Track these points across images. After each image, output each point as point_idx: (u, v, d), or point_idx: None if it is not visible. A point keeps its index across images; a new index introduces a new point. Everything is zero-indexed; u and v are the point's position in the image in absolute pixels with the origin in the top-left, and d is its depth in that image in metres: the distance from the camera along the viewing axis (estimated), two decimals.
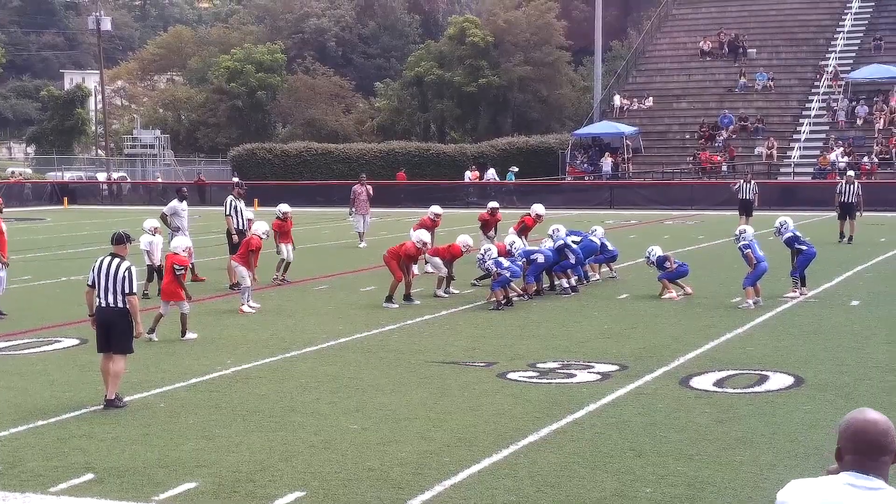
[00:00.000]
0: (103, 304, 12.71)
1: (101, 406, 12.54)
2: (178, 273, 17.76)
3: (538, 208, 25.89)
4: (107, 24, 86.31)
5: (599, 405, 12.48)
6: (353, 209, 34.86)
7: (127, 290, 12.65)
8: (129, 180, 77.62)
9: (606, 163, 61.38)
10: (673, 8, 77.50)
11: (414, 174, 64.92)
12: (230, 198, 24.99)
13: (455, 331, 18.02)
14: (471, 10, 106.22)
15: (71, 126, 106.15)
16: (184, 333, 17.46)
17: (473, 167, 63.47)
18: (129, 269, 12.77)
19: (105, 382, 12.68)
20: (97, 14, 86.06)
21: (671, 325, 18.42)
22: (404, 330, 18.16)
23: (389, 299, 20.82)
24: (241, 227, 24.44)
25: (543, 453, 10.52)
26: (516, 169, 60.89)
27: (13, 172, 78.17)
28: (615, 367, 14.63)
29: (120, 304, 12.67)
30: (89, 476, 9.88)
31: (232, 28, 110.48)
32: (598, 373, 14.32)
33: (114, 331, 12.67)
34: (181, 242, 19.01)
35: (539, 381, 13.91)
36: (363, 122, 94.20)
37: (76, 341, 17.25)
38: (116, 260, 12.87)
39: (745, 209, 36.75)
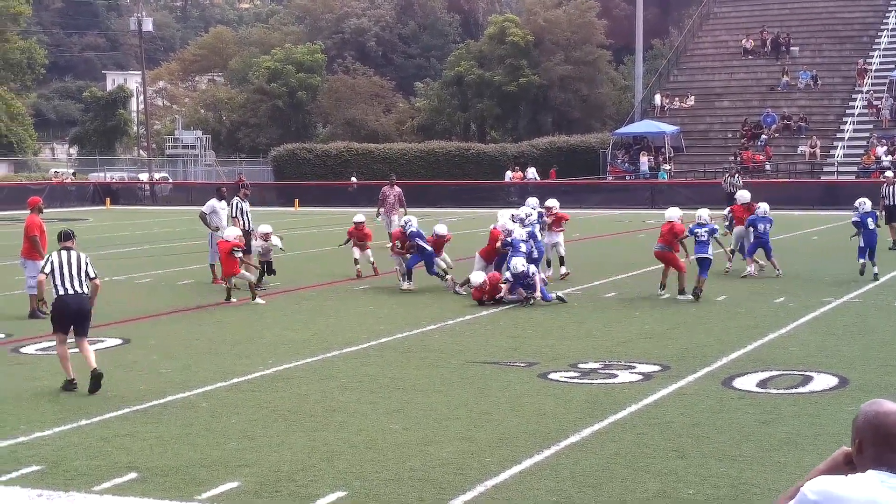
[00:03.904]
0: (71, 292, 13.74)
1: (71, 378, 13.58)
2: (235, 255, 21.17)
3: (440, 229, 24.58)
4: (148, 25, 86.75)
5: (641, 406, 12.42)
6: (381, 210, 34.69)
7: (92, 276, 14.00)
8: (170, 180, 78.02)
9: (643, 162, 61.17)
10: (715, 6, 77.09)
11: (454, 174, 64.92)
12: (236, 199, 24.94)
13: (496, 331, 17.99)
14: (511, 9, 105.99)
15: (113, 127, 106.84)
16: (253, 297, 21.15)
17: (515, 167, 63.36)
18: (87, 258, 14.17)
19: (65, 366, 13.68)
20: (139, 15, 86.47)
21: (714, 325, 18.32)
22: (445, 330, 18.15)
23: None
24: (247, 228, 24.51)
25: (585, 454, 10.47)
26: (668, 167, 59.84)
27: (57, 173, 78.73)
28: (657, 368, 14.55)
29: (85, 291, 13.87)
30: (132, 475, 9.92)
31: (272, 28, 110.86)
32: (640, 373, 14.25)
33: (84, 315, 13.89)
34: (233, 231, 22.15)
35: (580, 381, 13.86)
36: (403, 122, 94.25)
37: (119, 341, 17.34)
38: (73, 253, 14.06)
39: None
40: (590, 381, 13.84)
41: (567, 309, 20.29)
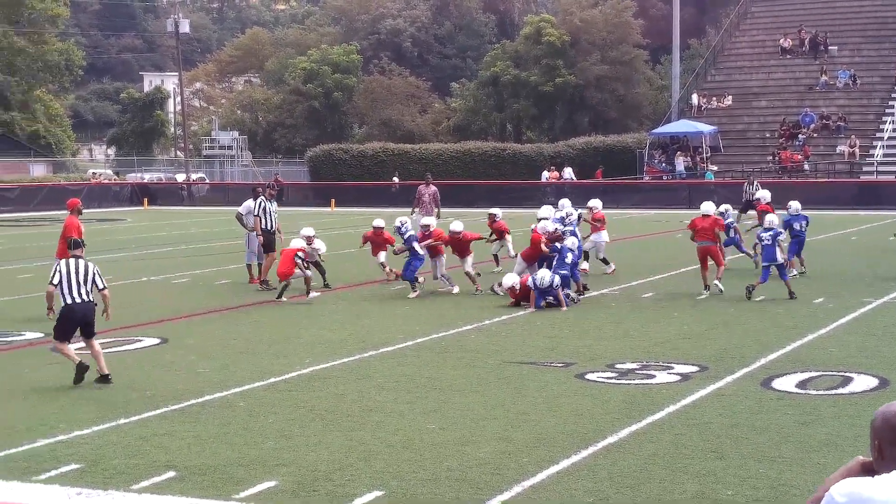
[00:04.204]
0: (79, 301, 14.15)
1: (78, 361, 14.04)
2: (298, 259, 21.61)
3: (455, 226, 24.13)
4: (185, 27, 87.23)
5: (679, 406, 12.35)
6: (416, 209, 34.54)
7: (101, 287, 14.37)
8: (207, 181, 78.34)
9: (679, 162, 60.93)
10: (752, 5, 76.71)
11: (490, 174, 64.87)
12: (260, 198, 25.02)
13: (533, 331, 17.94)
14: (547, 9, 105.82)
15: (150, 128, 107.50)
16: (308, 293, 21.56)
17: (552, 167, 63.24)
18: (95, 267, 14.51)
19: (68, 355, 14.16)
20: (176, 17, 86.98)
21: (752, 325, 18.20)
22: (482, 330, 18.12)
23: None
24: (269, 228, 24.52)
25: (623, 454, 10.43)
26: (715, 168, 59.52)
27: (95, 174, 79.24)
28: (695, 368, 14.47)
29: (91, 299, 14.29)
30: (171, 474, 9.95)
31: (308, 29, 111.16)
32: (678, 374, 14.18)
33: (89, 321, 14.29)
34: (299, 243, 22.38)
35: (618, 381, 13.80)
36: (439, 123, 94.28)
37: (157, 340, 17.42)
38: (81, 262, 14.39)
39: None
40: (627, 382, 13.78)
41: (604, 309, 20.23)
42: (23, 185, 63.78)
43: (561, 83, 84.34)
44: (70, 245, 14.85)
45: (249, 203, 25.32)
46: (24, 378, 14.55)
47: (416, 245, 22.62)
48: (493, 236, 26.00)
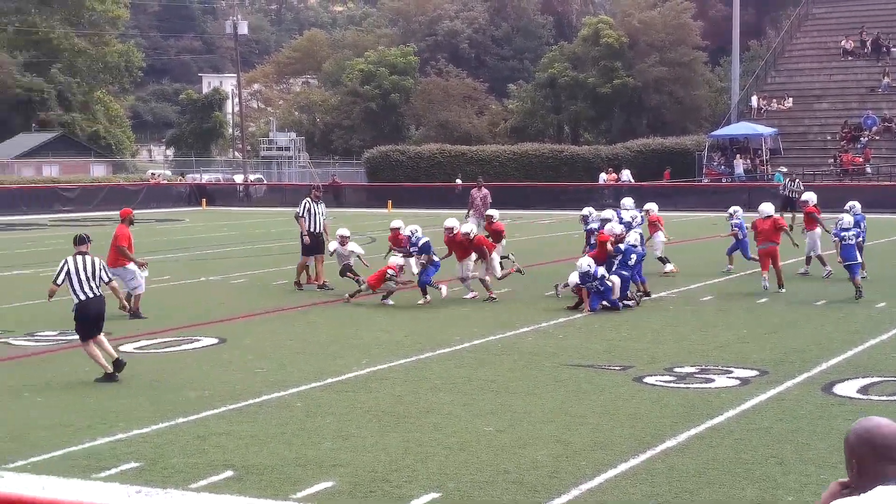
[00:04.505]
0: (91, 296, 14.45)
1: (110, 371, 14.25)
2: (389, 277, 21.51)
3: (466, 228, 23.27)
4: (244, 29, 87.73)
5: (739, 411, 12.22)
6: (470, 212, 34.46)
7: (106, 280, 14.63)
8: (264, 182, 78.75)
9: (738, 164, 60.46)
10: (813, 6, 75.97)
11: (547, 176, 64.70)
12: (306, 200, 25.11)
13: (590, 333, 17.85)
14: (605, 10, 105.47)
15: (209, 129, 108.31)
16: (384, 297, 21.46)
17: (609, 169, 62.96)
18: (101, 262, 14.83)
19: (99, 362, 14.31)
20: (234, 18, 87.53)
21: (813, 330, 18.01)
22: (539, 332, 18.06)
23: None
24: (313, 230, 24.51)
25: (681, 459, 10.34)
26: (784, 169, 59.08)
27: (154, 174, 79.91)
28: (755, 373, 14.33)
29: (100, 293, 14.55)
30: (228, 473, 9.98)
31: (366, 31, 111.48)
32: (738, 378, 14.04)
33: (102, 317, 14.70)
34: (396, 260, 22.26)
35: (677, 385, 13.70)
36: (496, 124, 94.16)
37: (215, 340, 17.50)
38: (88, 258, 14.60)
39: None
40: (686, 386, 13.67)
41: (663, 312, 20.10)
42: (83, 185, 64.42)
43: (619, 85, 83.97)
44: (75, 241, 14.99)
45: (306, 204, 25.45)
46: (83, 377, 14.67)
47: (432, 253, 22.08)
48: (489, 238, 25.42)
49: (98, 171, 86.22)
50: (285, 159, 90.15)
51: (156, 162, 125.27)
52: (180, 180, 75.33)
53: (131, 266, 20.30)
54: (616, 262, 20.80)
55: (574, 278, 20.38)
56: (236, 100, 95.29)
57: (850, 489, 4.09)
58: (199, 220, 52.72)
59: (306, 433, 11.40)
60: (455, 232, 22.46)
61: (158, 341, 17.57)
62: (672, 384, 13.74)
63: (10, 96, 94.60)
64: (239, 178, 79.59)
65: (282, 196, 66.55)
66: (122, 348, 16.82)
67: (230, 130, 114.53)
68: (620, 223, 22.72)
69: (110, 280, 14.78)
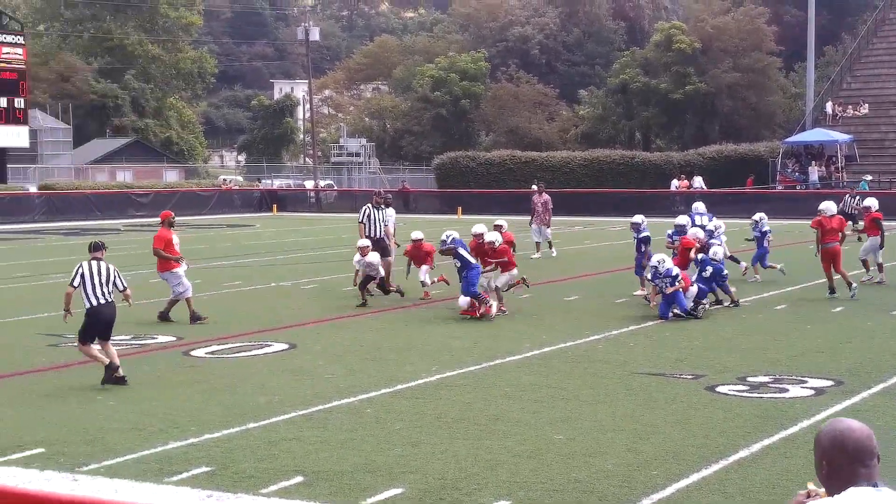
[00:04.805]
0: (103, 302, 14.51)
1: (102, 381, 14.26)
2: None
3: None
4: (315, 35, 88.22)
5: (813, 421, 12.04)
6: (533, 218, 34.19)
7: (121, 287, 14.73)
8: (335, 188, 79.10)
9: (814, 171, 59.77)
10: (890, 11, 74.92)
11: (618, 183, 64.39)
12: (366, 206, 25.18)
13: (662, 342, 17.70)
14: (678, 16, 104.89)
15: (280, 134, 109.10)
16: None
17: (682, 175, 62.51)
18: (115, 268, 14.86)
19: (97, 356, 14.44)
20: (306, 25, 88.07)
21: (889, 339, 17.72)
22: (610, 340, 17.94)
23: None
24: (373, 235, 24.52)
25: (755, 469, 10.21)
26: (870, 177, 58.44)
27: (225, 180, 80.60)
28: (830, 383, 14.12)
29: (112, 300, 14.63)
30: (298, 478, 10.00)
31: (436, 37, 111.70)
32: (812, 388, 13.85)
33: (112, 323, 14.71)
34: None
35: (749, 395, 13.53)
36: (567, 130, 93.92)
37: (285, 345, 17.57)
38: (102, 264, 14.70)
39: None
40: (759, 396, 13.50)
41: (735, 321, 19.89)
42: (156, 190, 65.10)
43: (691, 91, 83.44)
44: (90, 248, 15.06)
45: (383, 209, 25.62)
46: (156, 381, 14.79)
47: (464, 253, 20.88)
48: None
49: (170, 176, 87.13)
50: (355, 165, 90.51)
51: (227, 168, 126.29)
52: (257, 186, 75.88)
53: (178, 270, 20.43)
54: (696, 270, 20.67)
55: (647, 273, 20.25)
56: (307, 106, 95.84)
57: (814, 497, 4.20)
58: (269, 226, 53.07)
59: (376, 439, 11.40)
60: (421, 241, 22.77)
61: (229, 346, 17.67)
62: (745, 394, 13.58)
63: (86, 102, 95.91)
64: (309, 184, 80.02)
65: (352, 202, 66.76)
66: (193, 353, 16.96)
67: (301, 136, 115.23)
68: (704, 229, 22.49)
69: (125, 288, 14.84)
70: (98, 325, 14.56)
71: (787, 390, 13.75)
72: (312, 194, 72.77)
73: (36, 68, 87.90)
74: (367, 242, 22.82)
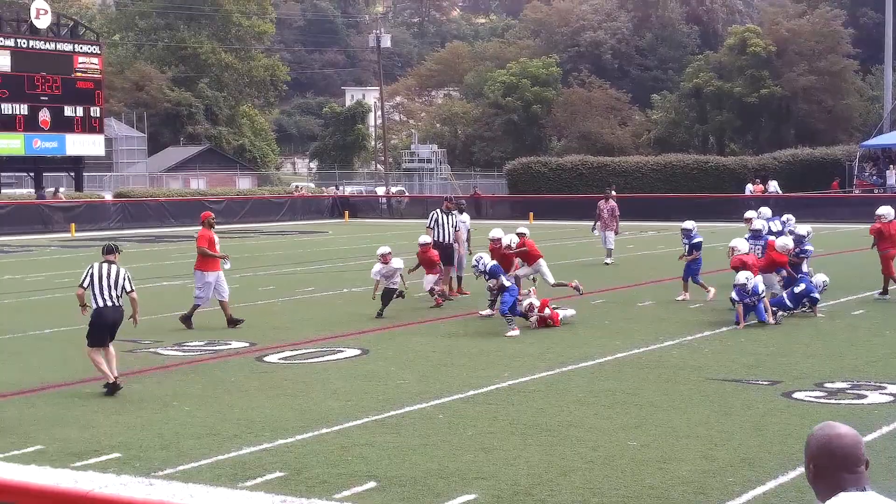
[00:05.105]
0: (109, 304, 14.57)
1: (104, 389, 14.29)
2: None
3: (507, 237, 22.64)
4: (386, 42, 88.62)
5: (892, 428, 11.85)
6: (598, 224, 33.76)
7: (129, 290, 14.73)
8: (406, 194, 79.28)
9: (891, 175, 58.91)
10: None
11: (692, 187, 63.94)
12: (435, 211, 25.42)
13: (736, 347, 17.51)
14: (752, 19, 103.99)
15: (351, 141, 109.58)
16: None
17: (756, 180, 61.89)
18: (126, 272, 14.85)
19: (101, 369, 14.40)
20: (377, 32, 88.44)
21: None
22: (684, 346, 17.77)
23: None
24: (441, 240, 24.47)
25: None
26: None
27: (297, 187, 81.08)
28: None
29: (121, 304, 14.67)
30: (371, 484, 10.01)
31: (508, 43, 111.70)
32: (891, 394, 13.63)
33: (117, 326, 14.72)
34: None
35: (827, 401, 13.34)
36: (639, 135, 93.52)
37: (358, 351, 17.61)
38: (114, 266, 14.75)
39: None
40: (837, 402, 13.30)
41: (811, 326, 19.63)
42: (229, 197, 65.67)
43: (766, 94, 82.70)
44: (103, 250, 15.10)
45: (454, 215, 25.68)
46: (230, 386, 14.88)
47: (503, 278, 19.90)
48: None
49: (243, 183, 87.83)
50: (427, 171, 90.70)
51: (299, 174, 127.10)
52: (334, 192, 76.31)
53: (210, 276, 20.54)
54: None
55: (733, 295, 19.85)
56: (378, 112, 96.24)
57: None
58: (341, 233, 53.30)
59: (448, 445, 11.38)
60: (501, 244, 22.15)
61: (302, 352, 17.75)
62: (822, 400, 13.40)
63: (160, 111, 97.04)
64: (381, 191, 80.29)
65: (424, 208, 66.83)
66: (267, 359, 17.05)
67: (372, 143, 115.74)
68: (792, 235, 22.18)
69: (132, 290, 14.79)
70: (102, 327, 14.59)
71: (865, 396, 13.54)
72: (384, 201, 72.99)
73: (111, 77, 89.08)
74: (387, 249, 22.14)
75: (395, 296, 21.77)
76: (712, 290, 22.75)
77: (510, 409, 13.05)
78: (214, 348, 18.25)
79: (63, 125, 62.76)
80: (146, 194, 64.94)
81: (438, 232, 24.67)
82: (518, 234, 22.95)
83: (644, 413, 12.76)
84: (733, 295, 19.70)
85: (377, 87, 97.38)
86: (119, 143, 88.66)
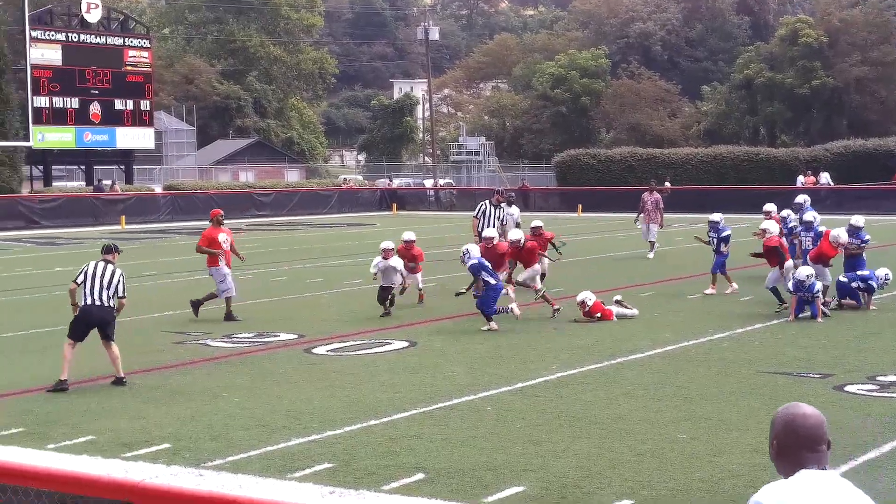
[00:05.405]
0: (98, 303, 14.38)
1: (62, 380, 14.13)
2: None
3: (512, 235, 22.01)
4: (435, 34, 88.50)
5: None
6: (641, 216, 33.47)
7: (121, 294, 14.56)
8: (454, 186, 79.26)
9: None
10: None
11: (742, 179, 63.46)
12: (483, 202, 25.32)
13: (787, 340, 17.37)
14: (803, 9, 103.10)
15: (399, 134, 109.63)
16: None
17: (808, 172, 61.30)
18: (121, 274, 14.68)
19: (63, 364, 14.24)
20: (425, 24, 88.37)
21: None
22: (734, 338, 17.65)
23: None
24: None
25: (885, 470, 9.98)
26: None
27: (345, 179, 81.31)
28: None
29: (111, 304, 14.48)
30: (420, 476, 10.00)
31: (556, 34, 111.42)
32: None
33: (105, 323, 14.45)
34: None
35: (880, 394, 13.21)
36: (689, 127, 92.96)
37: (406, 343, 17.63)
38: (110, 266, 14.61)
39: None
40: (890, 395, 13.18)
41: (864, 319, 19.45)
42: (277, 190, 65.91)
43: (818, 85, 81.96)
44: (102, 249, 15.02)
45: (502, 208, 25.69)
46: (279, 377, 14.94)
47: (485, 275, 19.27)
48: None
49: (292, 176, 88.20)
50: (475, 164, 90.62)
51: (347, 167, 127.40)
52: (387, 184, 76.46)
53: (223, 268, 20.62)
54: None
55: (789, 286, 19.68)
56: (427, 105, 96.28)
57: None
58: (389, 225, 53.36)
59: (497, 437, 11.36)
60: (495, 243, 21.31)
61: (350, 344, 17.78)
62: (875, 393, 13.27)
63: (209, 104, 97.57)
64: (429, 183, 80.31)
65: (472, 200, 66.65)
66: (315, 350, 17.09)
67: (420, 135, 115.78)
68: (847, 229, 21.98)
69: (123, 296, 14.59)
70: (82, 325, 14.48)
71: None
72: (432, 193, 72.99)
73: (161, 71, 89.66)
74: (390, 244, 21.41)
75: (390, 294, 20.96)
76: (734, 285, 23.02)
77: (559, 402, 13.01)
78: (263, 340, 18.33)
79: (113, 118, 63.26)
80: (195, 187, 65.30)
81: (484, 223, 24.66)
82: (533, 228, 23.10)
83: (694, 406, 12.69)
84: (789, 286, 19.54)
85: (425, 80, 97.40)
86: (168, 137, 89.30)
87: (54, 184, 64.71)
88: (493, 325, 18.91)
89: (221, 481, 10.01)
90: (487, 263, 19.69)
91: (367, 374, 14.96)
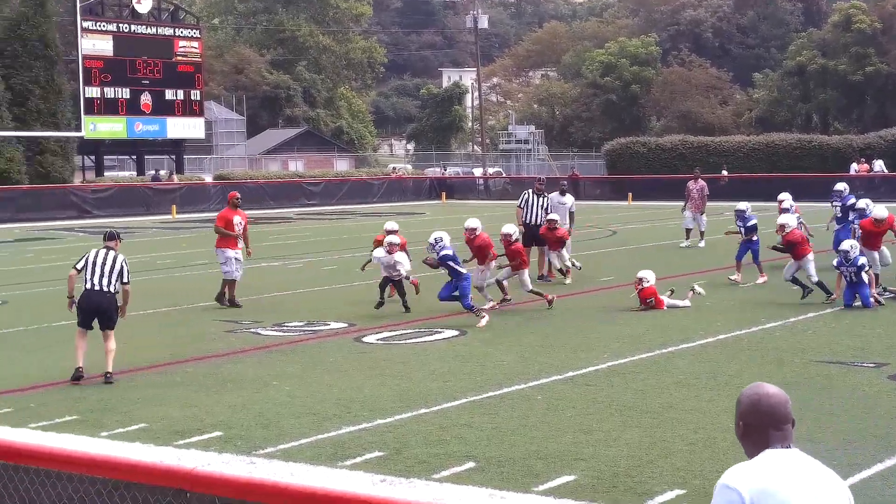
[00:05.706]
0: (97, 289, 14.23)
1: (79, 366, 14.14)
2: None
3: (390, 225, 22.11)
4: (484, 23, 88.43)
5: None
6: (687, 205, 33.17)
7: (125, 280, 14.47)
8: (503, 175, 79.14)
9: None
10: None
11: (795, 167, 62.91)
12: (526, 191, 25.49)
13: (842, 329, 17.21)
14: None
15: (448, 123, 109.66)
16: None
17: (861, 159, 60.67)
18: (124, 260, 14.57)
19: (77, 353, 14.20)
20: (475, 13, 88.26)
21: None
22: (787, 327, 17.51)
23: None
24: (530, 221, 24.32)
25: None
26: None
27: (394, 168, 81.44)
28: None
29: (112, 290, 14.33)
30: (470, 464, 10.00)
31: (606, 22, 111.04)
32: None
33: (106, 313, 14.31)
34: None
35: None
36: (740, 114, 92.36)
37: (456, 332, 17.62)
38: (112, 253, 14.52)
39: None
40: None
41: None
42: (327, 179, 66.13)
43: (872, 72, 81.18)
44: (104, 236, 14.97)
45: (555, 196, 25.60)
46: (329, 367, 14.98)
47: (452, 263, 19.06)
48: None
49: (341, 165, 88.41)
50: (524, 152, 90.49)
51: (397, 156, 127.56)
52: (440, 172, 76.49)
53: (229, 252, 20.71)
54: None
55: (834, 262, 19.59)
56: (476, 93, 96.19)
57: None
58: (439, 214, 53.38)
59: (547, 426, 11.33)
60: (478, 234, 20.36)
61: (400, 333, 17.80)
62: None
63: (259, 93, 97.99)
64: (478, 172, 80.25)
65: (521, 189, 66.50)
66: (365, 339, 17.12)
67: (469, 124, 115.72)
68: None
69: (127, 283, 14.50)
70: (84, 310, 14.35)
71: None
72: (481, 182, 72.94)
73: (211, 61, 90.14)
74: (396, 240, 20.82)
75: (389, 288, 20.49)
76: (765, 276, 22.94)
77: (610, 391, 12.96)
78: (314, 328, 18.39)
79: (164, 109, 63.69)
80: (245, 176, 65.61)
81: (528, 212, 24.59)
82: (548, 221, 23.20)
83: None
84: (834, 262, 19.44)
85: (474, 69, 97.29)
86: (218, 126, 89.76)
87: (106, 174, 65.23)
88: (486, 316, 18.49)
89: (273, 469, 10.03)
90: (456, 254, 19.32)
91: (417, 363, 14.97)
